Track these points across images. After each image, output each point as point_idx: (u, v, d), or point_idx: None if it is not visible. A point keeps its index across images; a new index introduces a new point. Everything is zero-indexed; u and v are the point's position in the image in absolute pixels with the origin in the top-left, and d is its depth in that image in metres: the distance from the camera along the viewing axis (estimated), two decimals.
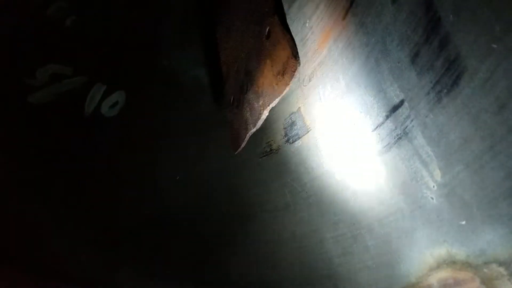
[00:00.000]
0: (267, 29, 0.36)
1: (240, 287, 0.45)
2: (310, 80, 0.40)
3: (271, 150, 0.47)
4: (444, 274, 0.30)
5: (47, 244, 0.50)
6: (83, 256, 0.50)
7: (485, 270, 0.27)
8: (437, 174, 0.31)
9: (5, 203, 0.49)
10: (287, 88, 0.35)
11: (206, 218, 0.53)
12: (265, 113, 0.40)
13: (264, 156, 0.48)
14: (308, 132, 0.41)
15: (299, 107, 0.42)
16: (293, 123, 0.43)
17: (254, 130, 0.43)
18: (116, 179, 0.53)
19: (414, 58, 0.30)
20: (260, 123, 0.41)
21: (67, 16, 0.56)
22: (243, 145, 0.46)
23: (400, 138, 0.32)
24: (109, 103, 0.57)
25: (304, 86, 0.40)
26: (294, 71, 0.33)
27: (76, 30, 0.57)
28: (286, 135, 0.44)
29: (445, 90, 0.29)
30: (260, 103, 0.40)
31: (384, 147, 0.33)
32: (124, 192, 0.53)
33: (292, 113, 0.43)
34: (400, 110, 0.32)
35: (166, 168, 0.55)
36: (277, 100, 0.37)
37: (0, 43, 0.52)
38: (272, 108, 0.41)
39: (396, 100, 0.32)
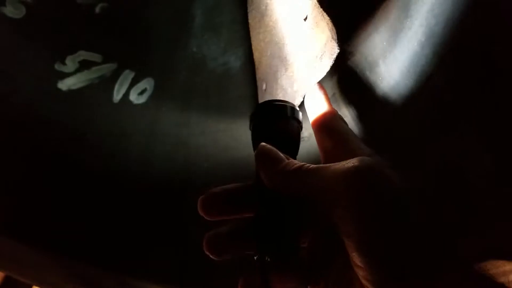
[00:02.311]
0: (304, 11, 0.35)
1: None
2: (347, 65, 0.38)
3: (302, 138, 0.46)
4: None
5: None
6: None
7: None
8: (487, 162, 0.30)
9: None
10: (325, 73, 0.34)
11: None
12: (300, 99, 0.39)
13: None
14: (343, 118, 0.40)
15: (334, 93, 0.40)
16: None
17: None
18: (146, 166, 0.53)
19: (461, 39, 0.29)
20: None
21: (97, 3, 0.56)
22: None
23: (445, 130, 0.31)
24: (138, 90, 0.57)
25: (340, 71, 0.39)
26: (334, 54, 0.32)
27: (105, 17, 0.57)
28: None
29: None
30: (295, 88, 0.39)
31: (428, 139, 0.32)
32: (154, 179, 0.53)
33: None
34: (445, 97, 0.30)
35: (195, 155, 0.55)
36: (313, 85, 0.36)
37: (33, 29, 0.53)
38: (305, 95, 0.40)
39: (441, 84, 0.31)
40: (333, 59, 0.32)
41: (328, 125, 0.29)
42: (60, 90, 0.53)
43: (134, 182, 0.54)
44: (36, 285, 1.02)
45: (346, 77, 0.39)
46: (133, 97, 0.57)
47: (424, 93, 0.31)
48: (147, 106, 0.56)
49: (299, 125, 0.30)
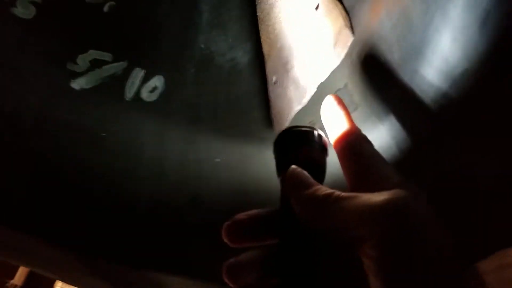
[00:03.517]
0: (315, 0, 0.34)
1: None
2: (359, 54, 0.38)
3: None
4: None
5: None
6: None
7: None
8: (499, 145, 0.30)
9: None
10: (339, 61, 0.34)
11: (248, 198, 0.53)
12: (313, 89, 0.39)
13: None
14: (356, 109, 0.39)
15: (346, 83, 0.40)
16: None
17: (299, 108, 0.42)
18: (159, 163, 0.53)
19: (483, 23, 0.28)
20: (306, 100, 0.40)
21: (105, 2, 0.57)
22: (286, 124, 0.45)
23: (461, 112, 0.30)
24: (149, 88, 0.58)
25: (352, 60, 0.39)
26: (348, 42, 0.32)
27: (114, 15, 0.57)
28: None
29: None
30: (307, 79, 0.39)
31: (444, 123, 0.31)
32: (167, 176, 0.53)
33: (338, 90, 0.42)
34: (463, 80, 0.30)
35: (207, 151, 0.55)
36: (327, 75, 0.36)
37: (44, 29, 0.53)
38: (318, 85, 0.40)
39: (459, 70, 0.30)
40: (347, 48, 0.32)
41: (353, 148, 0.28)
42: (73, 89, 0.53)
43: (148, 179, 0.54)
44: (59, 280, 1.03)
45: (358, 66, 0.38)
46: (145, 95, 0.57)
47: (444, 82, 0.31)
48: (158, 104, 0.56)
49: (325, 151, 0.30)
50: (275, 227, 0.27)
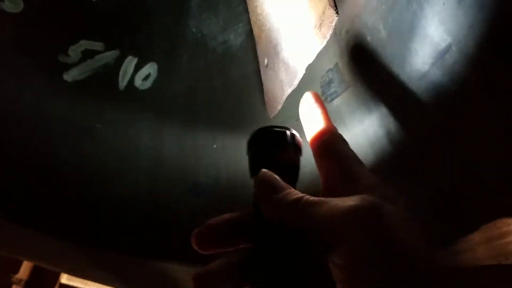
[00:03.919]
0: None
1: None
2: (347, 33, 0.38)
3: None
4: None
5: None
6: None
7: None
8: (491, 120, 0.30)
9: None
10: (325, 42, 0.34)
11: (247, 183, 0.54)
12: (302, 71, 0.39)
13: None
14: (347, 88, 0.39)
15: (337, 63, 0.40)
16: (330, 81, 0.42)
17: (290, 90, 0.42)
18: (156, 150, 0.54)
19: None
20: (296, 82, 0.40)
21: None
22: (279, 107, 0.45)
23: (448, 85, 0.30)
24: (142, 76, 0.57)
25: (341, 39, 0.39)
26: (332, 23, 0.31)
27: (103, 4, 0.57)
28: (323, 93, 0.43)
29: None
30: (296, 61, 0.38)
31: (431, 96, 0.31)
32: (164, 163, 0.54)
33: (329, 70, 0.41)
34: (447, 55, 0.30)
35: (204, 137, 0.55)
36: (314, 56, 0.35)
37: (33, 22, 0.53)
38: (308, 66, 0.40)
39: (443, 45, 0.30)
40: (332, 28, 0.31)
41: (327, 147, 0.27)
42: (66, 81, 0.54)
43: (147, 168, 0.54)
44: (64, 273, 1.06)
45: (347, 45, 0.38)
46: (138, 83, 0.57)
47: (429, 56, 0.31)
48: (152, 91, 0.56)
49: (299, 151, 0.28)
50: (249, 231, 0.26)
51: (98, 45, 0.55)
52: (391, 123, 0.35)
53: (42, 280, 1.09)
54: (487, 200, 0.32)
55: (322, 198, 0.22)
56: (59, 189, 0.52)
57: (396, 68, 0.34)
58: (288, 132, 0.28)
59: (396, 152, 0.35)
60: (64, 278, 1.17)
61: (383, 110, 0.36)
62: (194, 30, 0.58)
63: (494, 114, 0.29)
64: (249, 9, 0.49)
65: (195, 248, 0.27)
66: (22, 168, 0.51)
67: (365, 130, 0.38)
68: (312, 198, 0.23)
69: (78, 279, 1.17)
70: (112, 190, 0.54)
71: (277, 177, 0.25)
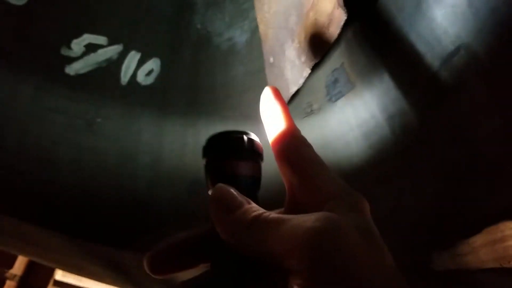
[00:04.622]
0: None
1: None
2: (354, 33, 0.38)
3: (311, 110, 0.46)
4: None
5: None
6: None
7: None
8: (498, 123, 0.30)
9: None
10: (333, 41, 0.34)
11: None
12: (308, 70, 0.39)
13: (305, 117, 0.47)
14: (353, 88, 0.39)
15: (343, 63, 0.40)
16: (335, 80, 0.42)
17: (296, 89, 0.42)
18: (158, 147, 0.53)
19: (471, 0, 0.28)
20: (302, 81, 0.40)
21: None
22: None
23: (456, 88, 0.30)
24: (145, 71, 0.57)
25: (348, 39, 0.39)
26: (341, 22, 0.31)
27: None
28: (328, 93, 0.43)
29: None
30: (302, 59, 0.38)
31: (439, 98, 0.31)
32: (166, 160, 0.54)
33: (334, 70, 0.41)
34: (456, 58, 0.30)
35: (205, 135, 0.55)
36: (321, 55, 0.35)
37: (36, 15, 0.52)
38: (313, 65, 0.40)
39: (451, 47, 0.30)
40: (340, 27, 0.31)
41: (289, 153, 0.24)
42: (68, 75, 0.53)
43: (146, 164, 0.54)
44: (59, 268, 1.06)
45: (354, 45, 0.38)
46: (141, 79, 0.57)
47: (437, 58, 0.31)
48: (155, 87, 0.56)
49: (259, 158, 0.26)
50: (207, 250, 0.24)
51: (101, 39, 0.55)
52: (396, 124, 0.35)
53: (37, 276, 1.08)
54: (489, 201, 0.32)
55: (281, 217, 0.21)
56: (57, 182, 0.52)
57: (403, 69, 0.34)
58: (245, 138, 0.25)
59: (401, 153, 0.35)
60: (59, 275, 1.16)
61: (389, 111, 0.36)
62: (199, 26, 0.58)
63: (503, 123, 0.29)
64: (256, 7, 0.49)
65: (148, 273, 0.24)
66: (20, 160, 0.51)
67: (370, 131, 0.38)
68: (271, 216, 0.21)
69: (72, 276, 1.16)
70: (111, 185, 0.54)
71: (233, 191, 0.23)
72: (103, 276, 0.75)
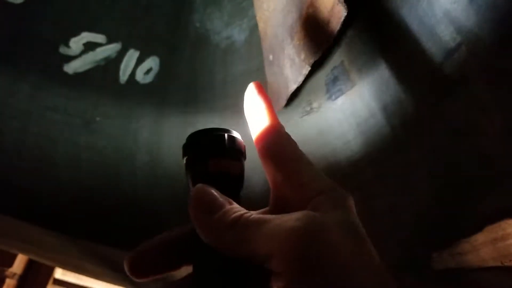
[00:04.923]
0: None
1: None
2: (354, 31, 0.37)
3: (311, 108, 0.46)
4: None
5: None
6: None
7: None
8: (498, 121, 0.30)
9: None
10: (332, 38, 0.34)
11: (247, 182, 0.53)
12: (308, 68, 0.38)
13: (305, 115, 0.46)
14: (353, 86, 0.39)
15: (342, 60, 0.40)
16: (335, 78, 0.41)
17: (295, 87, 0.42)
18: (156, 146, 0.53)
19: None
20: (302, 79, 0.40)
21: None
22: (283, 104, 0.45)
23: (457, 85, 0.30)
24: (144, 70, 0.57)
25: (347, 37, 0.38)
26: (341, 19, 0.31)
27: None
28: (328, 91, 0.43)
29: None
30: (302, 57, 0.38)
31: (439, 95, 0.31)
32: (164, 160, 0.53)
33: (334, 68, 0.41)
34: (456, 54, 0.30)
35: None
36: (321, 53, 0.35)
37: (34, 13, 0.52)
38: (313, 63, 0.40)
39: (452, 44, 0.30)
40: (340, 24, 0.31)
41: (273, 149, 0.24)
42: (66, 73, 0.53)
43: (145, 163, 0.54)
44: (58, 267, 1.06)
45: (354, 43, 0.38)
46: (139, 77, 0.57)
47: (437, 55, 0.31)
48: (154, 86, 0.56)
49: (241, 155, 0.25)
50: (189, 251, 0.24)
51: (100, 38, 0.55)
52: (396, 123, 0.35)
53: (36, 275, 1.08)
54: (491, 199, 0.32)
55: (262, 217, 0.20)
56: (55, 181, 0.52)
57: (403, 67, 0.33)
58: (226, 135, 0.24)
59: (401, 151, 0.35)
60: (58, 273, 1.16)
61: (389, 109, 0.35)
62: (197, 24, 0.58)
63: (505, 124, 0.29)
64: (255, 5, 0.48)
65: (129, 275, 0.24)
66: (18, 159, 0.51)
67: (370, 130, 0.38)
68: (252, 216, 0.21)
69: (72, 274, 1.16)
70: (109, 184, 0.54)
71: (213, 192, 0.22)
72: (102, 274, 0.74)
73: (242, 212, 0.21)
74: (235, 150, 0.25)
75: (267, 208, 0.25)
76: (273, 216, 0.20)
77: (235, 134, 0.25)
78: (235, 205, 0.22)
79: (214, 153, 0.24)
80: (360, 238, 0.20)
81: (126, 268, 0.23)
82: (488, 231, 0.31)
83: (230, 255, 0.21)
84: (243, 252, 0.20)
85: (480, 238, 0.32)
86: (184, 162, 0.26)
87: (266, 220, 0.20)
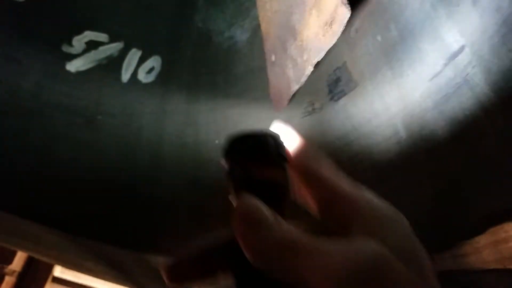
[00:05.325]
0: None
1: None
2: (357, 32, 0.38)
3: (313, 109, 0.46)
4: None
5: None
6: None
7: None
8: (499, 122, 0.30)
9: None
10: (335, 39, 0.34)
11: None
12: (310, 68, 0.38)
13: (307, 115, 0.47)
14: (355, 87, 0.39)
15: (345, 61, 0.40)
16: (338, 79, 0.41)
17: (297, 87, 0.42)
18: (158, 144, 0.53)
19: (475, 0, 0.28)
20: (304, 79, 0.40)
21: None
22: (285, 104, 0.45)
23: (460, 87, 0.30)
24: (146, 69, 0.57)
25: (350, 38, 0.38)
26: (344, 20, 0.31)
27: None
28: (330, 92, 0.43)
29: None
30: (305, 58, 0.38)
31: (442, 97, 0.31)
32: (166, 156, 0.54)
33: (336, 68, 0.41)
34: (460, 56, 0.30)
35: (206, 132, 0.55)
36: (323, 53, 0.35)
37: (37, 11, 0.52)
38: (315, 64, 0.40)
39: (456, 46, 0.30)
40: (343, 25, 0.31)
41: (310, 173, 0.23)
42: (68, 72, 0.53)
43: (147, 161, 0.54)
44: (59, 265, 1.05)
45: (356, 44, 0.38)
46: (141, 76, 0.57)
47: (441, 57, 0.31)
48: (155, 85, 0.56)
49: (286, 162, 0.23)
50: (228, 261, 0.23)
51: (102, 37, 0.55)
52: (399, 123, 0.35)
53: (35, 272, 1.08)
54: (493, 201, 0.31)
55: (315, 242, 0.19)
56: (57, 179, 0.52)
57: (406, 68, 0.34)
58: (273, 140, 0.22)
59: (403, 151, 0.35)
60: (57, 271, 1.16)
61: (392, 110, 0.35)
62: (200, 24, 0.58)
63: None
64: (258, 6, 0.48)
65: (167, 283, 0.23)
66: (20, 156, 0.51)
67: (372, 130, 0.38)
68: (304, 240, 0.19)
69: (70, 272, 1.16)
70: (110, 182, 0.54)
71: (259, 204, 0.20)
72: (101, 273, 0.74)
73: (292, 232, 0.20)
74: (279, 155, 0.22)
75: (314, 219, 0.24)
76: (327, 241, 0.19)
77: (277, 135, 0.23)
78: (283, 223, 0.21)
79: (262, 158, 0.22)
80: (421, 266, 0.19)
81: (164, 276, 0.23)
82: (490, 233, 0.31)
83: (274, 276, 0.20)
84: (291, 277, 0.19)
85: (482, 240, 0.32)
86: (225, 166, 0.23)
87: (319, 246, 0.19)
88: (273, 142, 0.22)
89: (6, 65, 0.50)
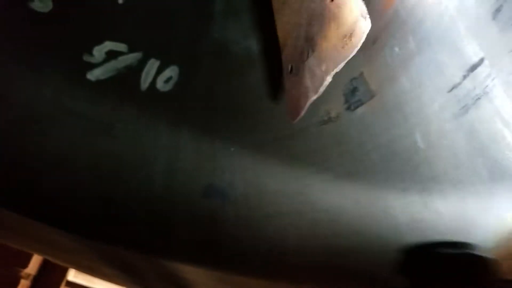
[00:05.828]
0: None
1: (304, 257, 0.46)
2: (374, 43, 0.38)
3: (329, 118, 0.46)
4: None
5: None
6: None
7: None
8: None
9: None
10: (355, 51, 0.34)
11: (262, 187, 0.54)
12: (328, 79, 0.39)
13: (323, 124, 0.47)
14: (372, 97, 0.40)
15: (362, 72, 0.40)
16: (354, 89, 0.42)
17: (315, 97, 0.42)
18: (175, 152, 0.54)
19: (496, 14, 0.28)
20: (322, 89, 0.41)
21: None
22: (302, 113, 0.45)
23: (479, 98, 0.30)
24: (164, 78, 0.58)
25: (367, 49, 0.39)
26: (364, 33, 0.32)
27: (128, 6, 0.58)
28: (346, 101, 0.43)
29: None
30: (323, 68, 0.39)
31: (461, 108, 0.31)
32: (183, 167, 0.54)
33: (353, 79, 0.42)
34: (479, 68, 0.30)
35: (222, 139, 0.56)
36: (342, 64, 0.36)
37: (60, 22, 0.54)
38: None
39: (475, 59, 0.30)
40: (363, 38, 0.32)
41: None
42: (89, 80, 0.54)
43: (162, 169, 0.55)
44: (75, 269, 1.07)
45: (374, 55, 0.38)
46: (160, 85, 0.58)
47: (460, 69, 0.31)
48: (173, 94, 0.57)
49: None
50: None
51: (122, 47, 0.56)
52: (418, 133, 0.35)
53: (50, 276, 1.10)
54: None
55: None
56: (75, 185, 0.53)
57: (425, 79, 0.34)
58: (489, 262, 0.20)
59: (424, 162, 0.35)
60: (71, 276, 1.18)
61: (411, 121, 0.36)
62: (216, 35, 0.59)
63: None
64: (276, 17, 0.49)
65: None
66: (39, 163, 0.52)
67: (391, 141, 0.38)
68: None
69: (84, 277, 1.17)
70: (126, 188, 0.55)
71: None
72: (116, 277, 0.75)
73: None
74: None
75: None
76: None
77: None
78: None
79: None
80: None
81: None
82: (506, 247, 0.31)
83: None
84: None
85: (499, 253, 0.32)
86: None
87: None
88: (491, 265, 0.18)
89: (29, 72, 0.52)
